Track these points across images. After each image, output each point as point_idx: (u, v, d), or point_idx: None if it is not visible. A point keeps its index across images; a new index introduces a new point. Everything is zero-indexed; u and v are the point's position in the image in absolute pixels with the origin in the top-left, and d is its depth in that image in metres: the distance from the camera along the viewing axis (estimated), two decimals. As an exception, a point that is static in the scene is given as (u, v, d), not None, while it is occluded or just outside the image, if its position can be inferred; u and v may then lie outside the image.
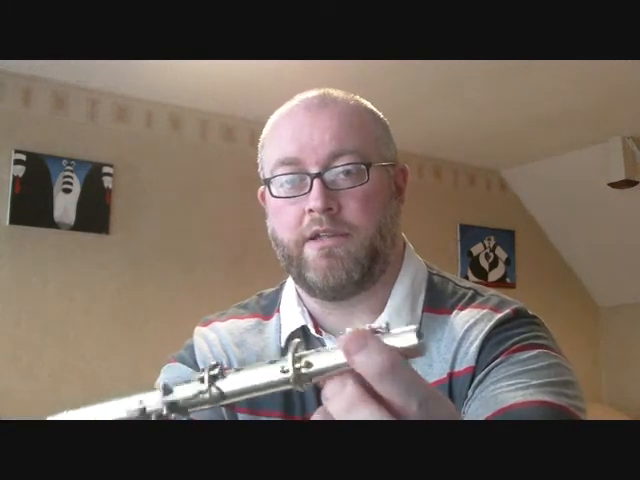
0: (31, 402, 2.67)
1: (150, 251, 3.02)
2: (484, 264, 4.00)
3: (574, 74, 2.80)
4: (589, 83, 2.90)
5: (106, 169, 2.95)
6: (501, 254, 4.07)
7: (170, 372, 0.91)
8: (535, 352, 0.79)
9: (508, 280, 4.07)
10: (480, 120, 3.34)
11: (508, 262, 4.09)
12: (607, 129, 3.44)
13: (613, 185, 3.58)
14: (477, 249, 4.00)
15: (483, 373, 0.79)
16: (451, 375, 0.82)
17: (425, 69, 2.74)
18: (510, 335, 0.81)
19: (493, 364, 0.79)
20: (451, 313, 0.87)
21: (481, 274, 3.97)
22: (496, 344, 0.80)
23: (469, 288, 0.90)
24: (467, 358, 0.81)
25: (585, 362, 3.94)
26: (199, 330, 0.95)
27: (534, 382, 0.75)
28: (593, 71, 2.76)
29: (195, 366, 0.90)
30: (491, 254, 4.04)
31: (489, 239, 4.04)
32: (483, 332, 0.82)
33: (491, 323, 0.82)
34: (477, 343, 0.81)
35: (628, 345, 4.20)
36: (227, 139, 3.28)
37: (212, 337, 0.93)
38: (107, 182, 2.94)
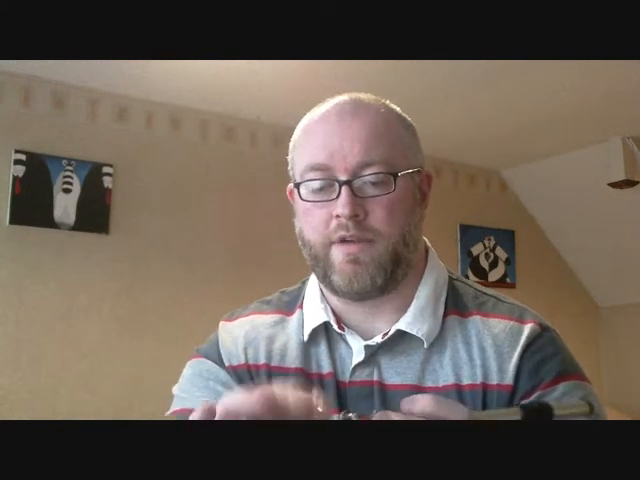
0: (31, 402, 2.68)
1: (150, 251, 3.02)
2: (484, 264, 4.00)
3: (574, 74, 2.80)
4: (589, 83, 2.90)
5: (106, 169, 2.95)
6: (501, 254, 4.07)
7: (197, 367, 0.94)
8: (571, 384, 0.84)
9: (508, 280, 4.07)
10: (480, 120, 3.34)
11: (508, 262, 4.08)
12: (607, 129, 3.44)
13: (613, 185, 3.58)
14: (477, 249, 4.00)
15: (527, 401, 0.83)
16: (484, 386, 0.85)
17: (425, 69, 2.74)
18: (545, 358, 0.85)
19: (536, 395, 0.83)
20: (474, 316, 0.90)
21: (481, 274, 3.97)
22: (535, 369, 0.85)
23: (490, 295, 0.93)
24: (505, 375, 0.85)
25: (585, 362, 3.91)
26: (224, 326, 0.98)
27: None
28: (593, 71, 2.75)
29: (220, 362, 0.93)
30: (491, 254, 4.04)
31: (489, 239, 4.04)
32: (517, 349, 0.86)
33: (523, 339, 0.86)
34: (514, 362, 0.85)
35: (628, 345, 4.20)
36: (227, 139, 3.28)
37: (237, 333, 0.95)
38: (107, 182, 2.94)
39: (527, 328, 0.87)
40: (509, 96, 3.04)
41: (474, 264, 3.97)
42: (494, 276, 4.02)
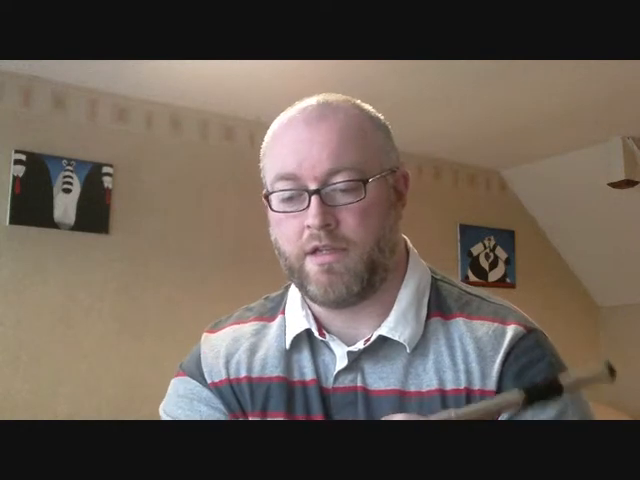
0: (31, 402, 2.68)
1: (150, 251, 3.02)
2: (484, 264, 4.00)
3: (574, 74, 2.79)
4: (589, 83, 2.90)
5: (106, 169, 2.94)
6: (501, 254, 4.07)
7: (181, 386, 0.94)
8: None
9: (508, 280, 4.06)
10: (480, 120, 3.33)
11: (508, 262, 4.08)
12: (607, 129, 3.44)
13: (613, 185, 3.58)
14: (477, 249, 4.00)
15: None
16: (468, 391, 0.83)
17: (424, 69, 2.74)
18: (531, 362, 0.84)
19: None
20: (458, 319, 0.88)
21: (481, 274, 3.97)
22: (519, 374, 0.83)
23: (475, 295, 0.91)
24: (487, 381, 0.83)
25: (585, 362, 3.92)
26: (207, 338, 0.97)
27: None
28: (593, 71, 2.75)
29: (202, 380, 0.93)
30: (491, 254, 4.03)
31: (489, 239, 4.04)
32: (500, 353, 0.84)
33: (505, 342, 0.84)
34: (497, 366, 0.83)
35: (628, 345, 4.20)
36: (227, 139, 3.28)
37: (219, 347, 0.95)
38: (107, 182, 2.94)
39: (510, 330, 0.85)
40: (509, 96, 3.04)
41: (474, 264, 3.97)
42: (494, 276, 4.02)
